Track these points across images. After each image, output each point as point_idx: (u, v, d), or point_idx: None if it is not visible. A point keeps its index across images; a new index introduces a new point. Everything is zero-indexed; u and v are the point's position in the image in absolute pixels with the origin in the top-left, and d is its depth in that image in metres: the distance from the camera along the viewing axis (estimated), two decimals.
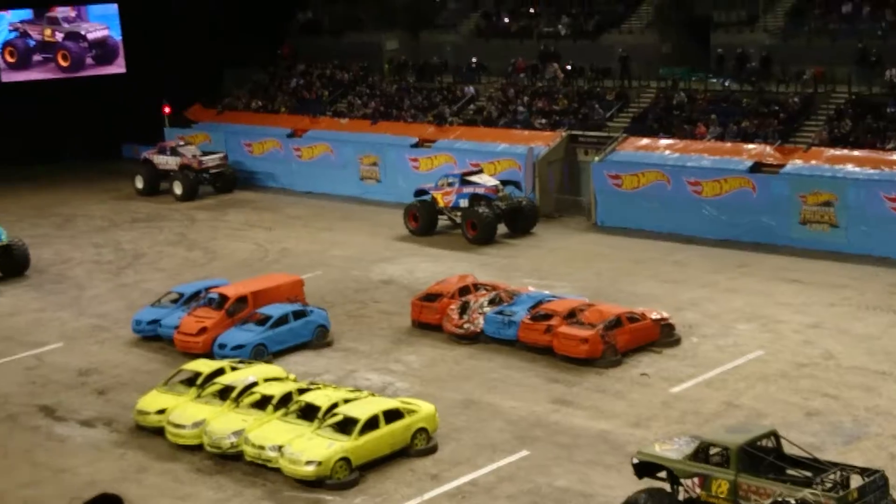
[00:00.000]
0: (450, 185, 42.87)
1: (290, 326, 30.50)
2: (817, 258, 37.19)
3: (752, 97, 44.17)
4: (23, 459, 24.81)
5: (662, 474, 20.07)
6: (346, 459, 22.78)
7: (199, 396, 25.83)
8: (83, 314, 35.35)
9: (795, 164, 39.63)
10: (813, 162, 39.33)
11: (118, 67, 60.84)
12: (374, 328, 32.42)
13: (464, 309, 31.07)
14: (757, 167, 40.46)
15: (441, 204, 42.95)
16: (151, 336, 31.92)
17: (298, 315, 30.88)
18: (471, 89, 52.43)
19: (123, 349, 31.82)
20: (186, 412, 25.15)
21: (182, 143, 54.06)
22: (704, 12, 49.70)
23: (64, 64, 60.23)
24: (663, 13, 51.11)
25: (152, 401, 26.08)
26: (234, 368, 26.80)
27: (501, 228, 42.21)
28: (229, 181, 53.29)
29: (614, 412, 25.60)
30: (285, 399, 24.85)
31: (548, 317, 29.57)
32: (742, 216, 40.06)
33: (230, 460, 23.89)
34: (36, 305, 36.51)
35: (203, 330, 30.34)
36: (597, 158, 44.21)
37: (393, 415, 23.83)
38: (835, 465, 19.33)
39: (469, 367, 29.04)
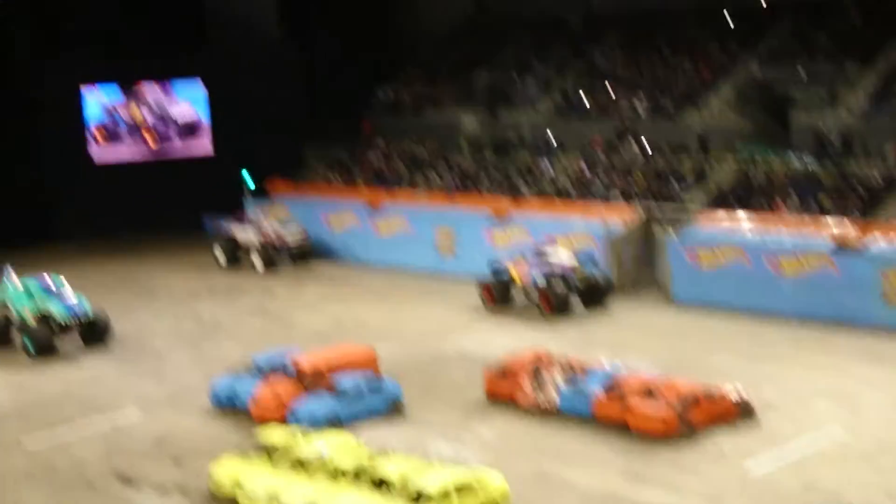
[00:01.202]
0: (525, 259, 42.97)
1: (363, 397, 30.63)
2: None
3: (833, 175, 43.74)
4: None
5: None
6: None
7: (273, 467, 25.95)
8: (162, 383, 35.86)
9: (877, 241, 39.03)
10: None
11: (204, 145, 62.51)
12: (447, 401, 32.37)
13: (538, 383, 30.92)
14: (838, 245, 39.91)
15: (516, 278, 43.01)
16: (228, 406, 32.25)
17: (372, 386, 31.02)
18: (548, 165, 52.72)
19: (201, 418, 32.15)
20: (260, 482, 25.25)
21: (262, 216, 55.04)
22: (784, 91, 49.55)
23: (152, 144, 62.10)
24: (743, 92, 51.06)
25: (227, 470, 26.24)
26: (307, 439, 26.91)
27: (576, 303, 42.07)
28: (307, 254, 54.02)
29: (689, 489, 25.16)
30: (358, 470, 24.85)
31: (622, 392, 29.28)
32: (823, 294, 39.42)
33: None
34: (116, 374, 37.16)
35: (278, 399, 30.58)
36: (674, 235, 44.01)
37: (465, 488, 23.68)
38: None
39: (542, 441, 28.80)
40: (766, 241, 41.47)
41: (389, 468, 24.48)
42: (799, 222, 41.76)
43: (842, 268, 39.11)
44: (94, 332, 40.33)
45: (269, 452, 26.49)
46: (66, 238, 60.90)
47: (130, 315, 44.92)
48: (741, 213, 43.49)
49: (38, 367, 38.28)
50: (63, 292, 40.26)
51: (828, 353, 35.40)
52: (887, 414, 29.41)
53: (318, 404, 30.18)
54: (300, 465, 25.57)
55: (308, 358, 32.43)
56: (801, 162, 45.56)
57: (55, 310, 39.38)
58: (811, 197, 42.73)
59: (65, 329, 39.61)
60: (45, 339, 39.21)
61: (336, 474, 24.85)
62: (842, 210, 41.30)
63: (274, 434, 27.46)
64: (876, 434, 28.04)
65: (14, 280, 41.21)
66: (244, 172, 58.42)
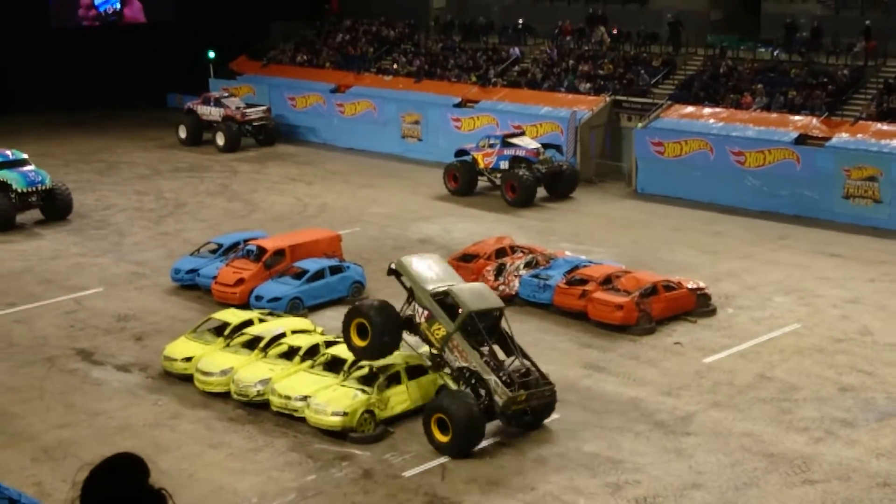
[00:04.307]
0: (491, 146, 42.77)
1: (326, 281, 30.67)
2: (859, 233, 36.83)
3: (801, 68, 43.59)
4: (58, 401, 25.16)
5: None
6: (370, 412, 22.91)
7: (227, 346, 26.07)
8: (123, 260, 35.71)
9: (841, 137, 39.16)
10: (859, 136, 38.85)
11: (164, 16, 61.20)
12: None
13: (500, 271, 31.07)
14: (802, 139, 40.00)
15: (481, 165, 42.86)
16: (189, 285, 32.22)
17: (335, 270, 31.03)
18: (516, 51, 52.12)
19: (161, 297, 32.14)
20: (214, 360, 25.38)
21: (226, 94, 54.25)
22: None
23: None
24: None
25: (180, 348, 26.32)
26: (262, 320, 27.03)
27: (541, 192, 42.06)
28: (272, 134, 53.44)
29: (646, 380, 25.56)
30: (312, 351, 25.04)
31: (583, 282, 29.50)
32: (785, 188, 39.67)
33: (261, 410, 24.11)
34: (77, 250, 36.93)
35: (240, 281, 30.58)
36: (640, 125, 43.90)
37: (419, 370, 23.95)
38: (527, 357, 22.96)
39: None
40: (731, 132, 41.48)
41: (344, 350, 24.63)
42: (764, 115, 41.73)
43: (804, 162, 39.29)
44: (54, 207, 39.88)
45: (223, 333, 26.59)
46: (26, 111, 59.85)
47: (91, 191, 44.49)
48: (708, 105, 43.35)
49: None
50: (21, 164, 39.60)
51: (787, 248, 35.76)
52: (843, 310, 29.88)
53: (281, 287, 30.21)
54: (254, 345, 25.69)
55: (271, 241, 32.34)
56: (770, 54, 45.29)
57: (12, 179, 38.78)
58: (778, 90, 42.61)
59: (24, 199, 39.00)
60: (5, 211, 38.66)
61: (290, 355, 25.03)
62: (808, 104, 41.24)
63: (228, 315, 27.54)
64: (831, 329, 28.52)
65: None
66: (209, 53, 57.37)
